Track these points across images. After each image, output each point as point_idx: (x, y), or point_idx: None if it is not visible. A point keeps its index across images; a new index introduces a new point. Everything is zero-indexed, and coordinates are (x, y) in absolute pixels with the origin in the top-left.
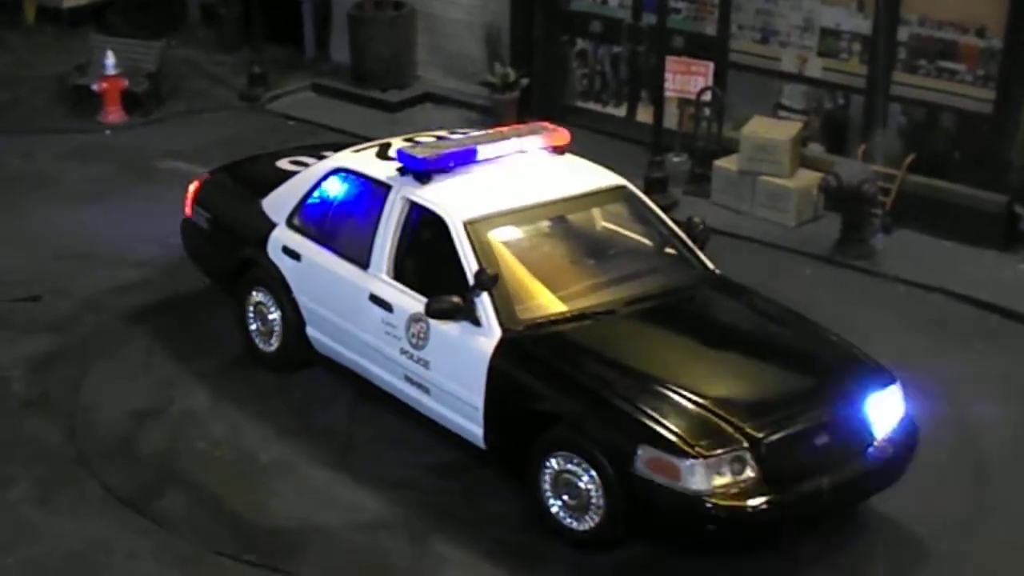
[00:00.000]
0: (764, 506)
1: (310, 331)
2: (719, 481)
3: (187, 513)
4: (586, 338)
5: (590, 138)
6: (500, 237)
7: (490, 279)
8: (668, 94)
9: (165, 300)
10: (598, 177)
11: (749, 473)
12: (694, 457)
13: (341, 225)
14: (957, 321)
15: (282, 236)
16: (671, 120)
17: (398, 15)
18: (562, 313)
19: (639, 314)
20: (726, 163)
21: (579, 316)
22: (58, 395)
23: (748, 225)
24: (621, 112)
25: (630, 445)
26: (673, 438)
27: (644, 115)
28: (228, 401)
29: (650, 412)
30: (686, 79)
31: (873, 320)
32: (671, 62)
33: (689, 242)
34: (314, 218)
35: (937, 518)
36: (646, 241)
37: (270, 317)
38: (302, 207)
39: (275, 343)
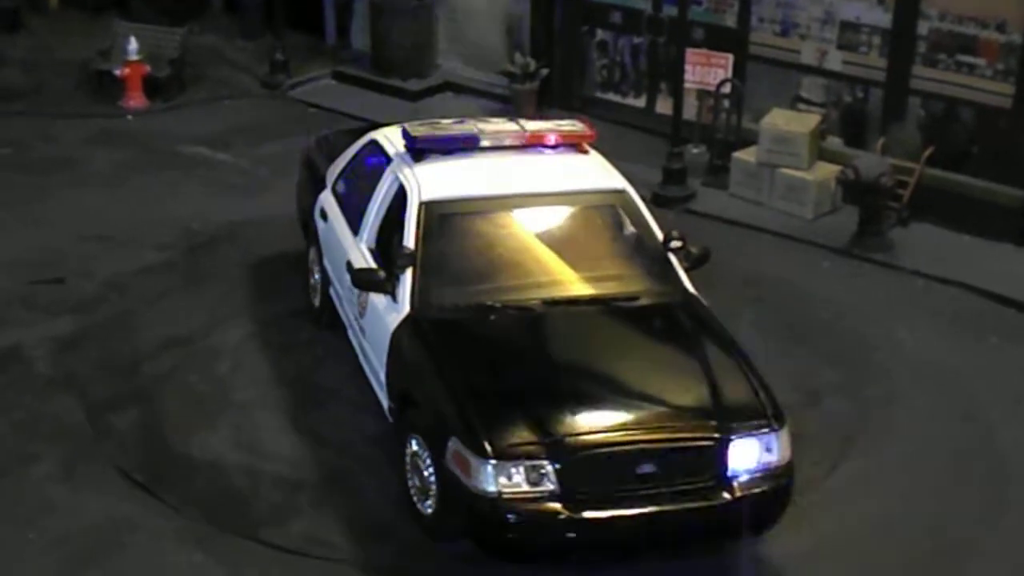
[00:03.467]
0: (558, 522)
1: (331, 290)
2: (510, 487)
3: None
4: (479, 330)
5: (609, 129)
6: (459, 222)
7: (406, 258)
8: (688, 86)
9: (188, 281)
10: (598, 179)
11: (548, 486)
12: (486, 457)
13: (355, 193)
14: (973, 314)
15: (323, 199)
16: (690, 111)
17: (419, 4)
18: (474, 303)
19: (554, 316)
20: (745, 155)
21: (489, 308)
22: (81, 375)
23: (766, 217)
24: (640, 103)
25: (445, 436)
26: (475, 436)
27: (663, 106)
28: (248, 365)
29: (472, 408)
30: (706, 71)
31: (890, 313)
32: (691, 54)
33: (673, 258)
34: (345, 185)
35: (953, 511)
36: (619, 248)
37: (315, 274)
38: (342, 174)
39: (317, 299)
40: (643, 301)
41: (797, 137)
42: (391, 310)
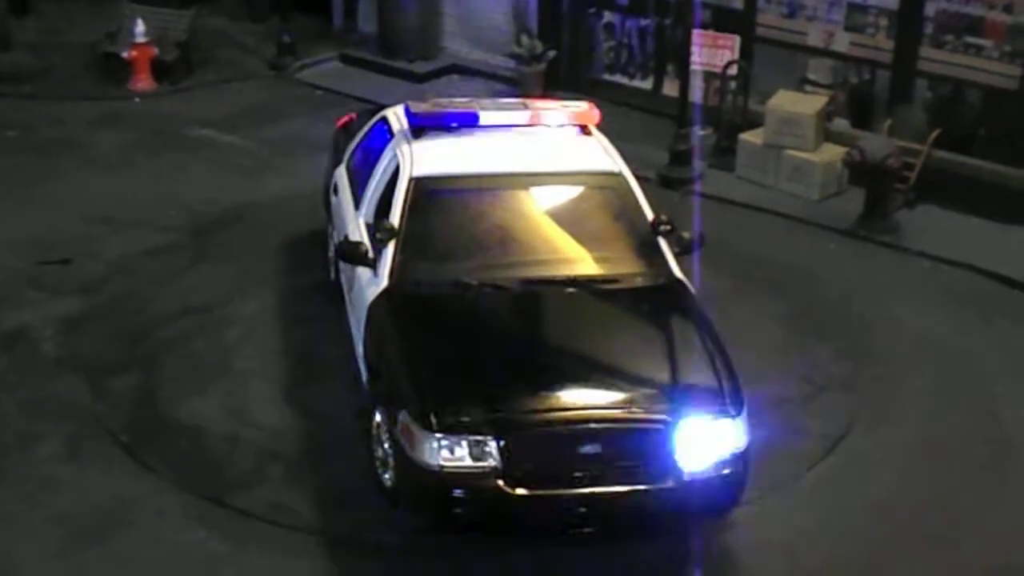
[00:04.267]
0: (499, 498)
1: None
2: (452, 461)
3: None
4: (449, 306)
5: (616, 111)
6: (447, 199)
7: (386, 232)
8: (694, 67)
9: (210, 256)
10: (593, 160)
11: (491, 462)
12: (430, 431)
13: (363, 169)
14: (980, 296)
15: (336, 174)
16: (697, 93)
17: None
18: (451, 279)
19: (529, 296)
20: (751, 137)
21: (464, 285)
22: (87, 355)
23: (772, 198)
24: (647, 85)
25: (398, 408)
26: (422, 409)
27: (670, 88)
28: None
29: (424, 382)
30: (712, 52)
31: (897, 295)
32: (698, 35)
33: (662, 242)
34: (355, 161)
35: (959, 491)
36: (608, 230)
37: (331, 249)
38: (354, 150)
39: (332, 273)
40: (623, 284)
41: (803, 119)
42: (372, 284)
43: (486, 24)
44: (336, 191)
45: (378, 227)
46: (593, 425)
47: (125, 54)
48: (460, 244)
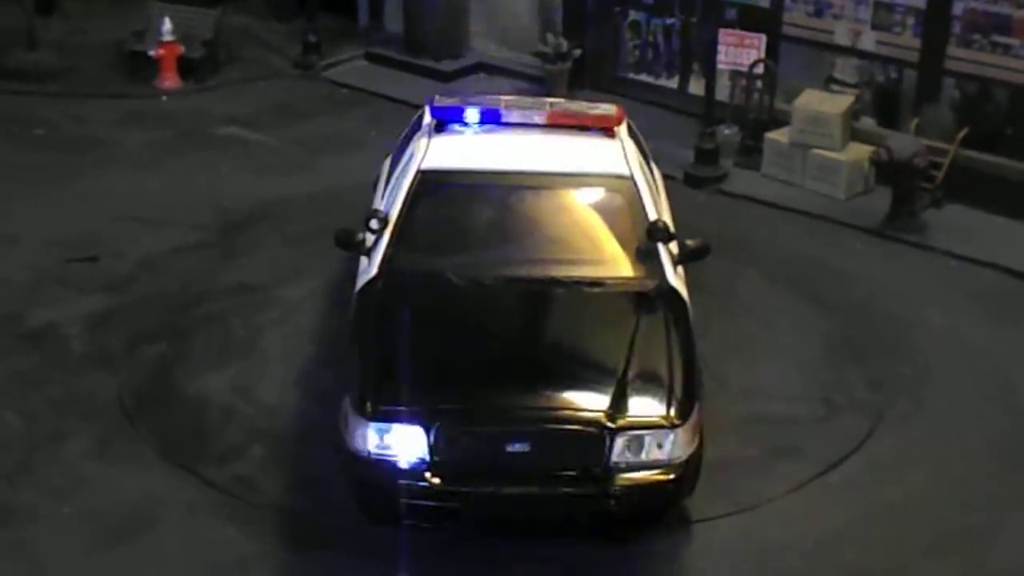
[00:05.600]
0: (423, 490)
1: None
2: (381, 448)
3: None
4: (424, 299)
5: (642, 110)
6: (450, 192)
7: (379, 222)
8: (720, 66)
9: (221, 261)
10: (604, 163)
11: (419, 453)
12: (362, 416)
13: (397, 160)
14: (1007, 295)
15: (381, 166)
16: (723, 92)
17: None
18: (435, 272)
19: (505, 293)
20: (777, 135)
21: (446, 279)
22: (114, 352)
23: (798, 198)
24: (673, 84)
25: (343, 393)
26: (359, 396)
27: (696, 87)
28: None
29: (368, 370)
30: (739, 51)
31: (923, 294)
32: (724, 34)
33: (661, 248)
34: (396, 151)
35: (990, 491)
36: (606, 233)
37: None
38: (400, 140)
39: None
40: (608, 288)
41: (830, 118)
42: (365, 272)
43: (512, 22)
44: (376, 181)
45: (373, 216)
46: (522, 424)
47: (152, 52)
48: (454, 238)
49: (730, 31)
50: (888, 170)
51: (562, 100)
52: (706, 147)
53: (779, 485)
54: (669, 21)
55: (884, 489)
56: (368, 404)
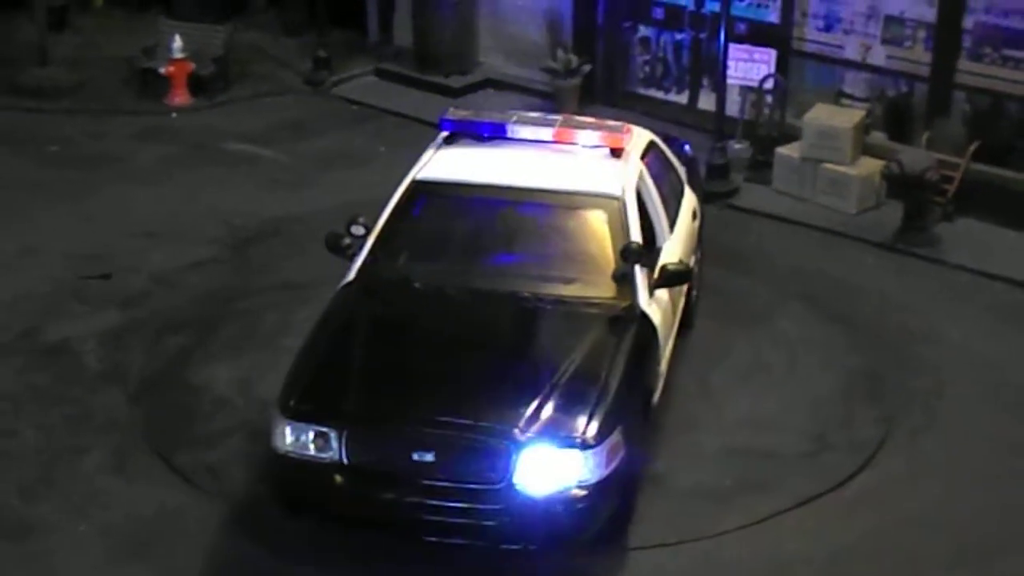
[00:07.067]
0: (331, 490)
1: None
2: (297, 447)
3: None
4: (382, 305)
5: (651, 125)
6: (437, 204)
7: (363, 227)
8: (731, 81)
9: (234, 276)
10: (597, 183)
11: (331, 454)
12: (283, 415)
13: None
14: (1019, 309)
15: None
16: (733, 107)
17: (461, 0)
18: (400, 279)
19: (462, 305)
20: (788, 150)
21: (410, 288)
22: (129, 368)
23: (809, 212)
24: (683, 99)
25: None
26: (284, 393)
27: (706, 102)
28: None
29: (301, 371)
30: (749, 66)
31: (935, 308)
32: (734, 49)
33: (638, 271)
34: None
35: (999, 505)
36: (584, 253)
37: None
38: None
39: None
40: (570, 307)
41: (841, 132)
42: (347, 276)
43: (521, 38)
44: None
45: (354, 222)
46: (427, 431)
47: (162, 69)
48: (434, 248)
49: (740, 46)
50: (899, 184)
51: (574, 117)
52: (717, 162)
53: (791, 495)
54: (679, 36)
55: (897, 502)
56: (289, 402)
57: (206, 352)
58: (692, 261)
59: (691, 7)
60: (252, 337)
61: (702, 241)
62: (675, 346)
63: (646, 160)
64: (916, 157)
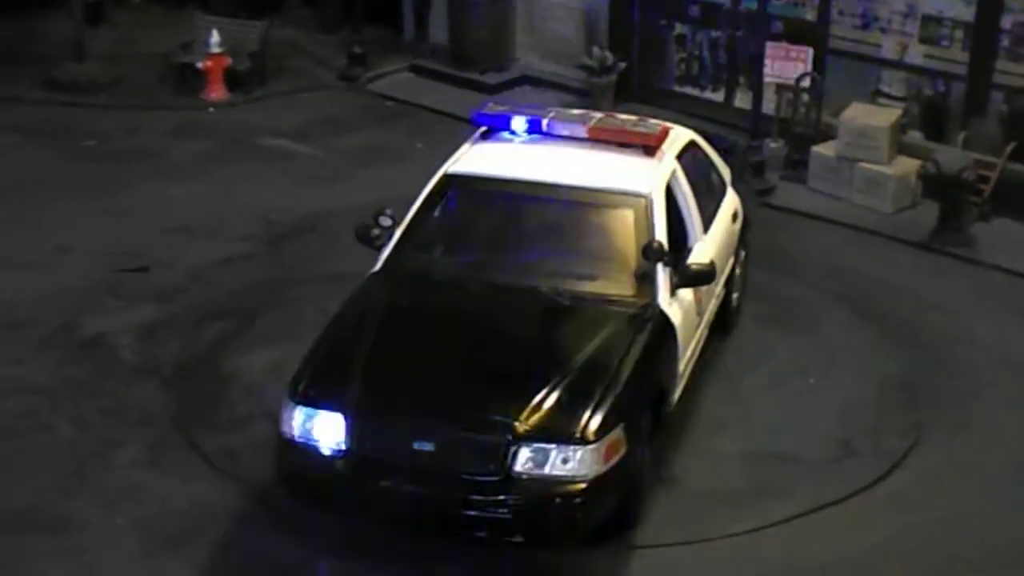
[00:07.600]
0: (335, 477)
1: None
2: (304, 432)
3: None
4: (403, 296)
5: (687, 123)
6: (467, 197)
7: (391, 218)
8: (767, 79)
9: (270, 271)
10: (626, 181)
11: (338, 441)
12: (292, 400)
13: None
14: None
15: None
16: (769, 106)
17: None
18: (423, 271)
19: (481, 299)
20: (824, 149)
21: (432, 279)
22: (165, 362)
23: (845, 211)
24: (718, 97)
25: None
26: (293, 379)
27: (742, 100)
28: None
29: (315, 357)
30: (785, 65)
31: (971, 308)
32: (770, 47)
33: (660, 270)
34: None
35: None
36: (609, 250)
37: None
38: None
39: None
40: (588, 304)
41: (877, 131)
42: (375, 266)
43: (557, 35)
44: None
45: (382, 213)
46: (427, 422)
47: (199, 64)
48: (457, 242)
49: (777, 44)
50: (936, 184)
51: (614, 115)
52: (752, 160)
53: (821, 497)
54: (715, 34)
55: (931, 502)
56: (299, 386)
57: (241, 340)
58: (730, 263)
59: (727, 5)
60: (293, 326)
61: (745, 244)
62: (711, 348)
63: (682, 159)
64: (952, 157)
